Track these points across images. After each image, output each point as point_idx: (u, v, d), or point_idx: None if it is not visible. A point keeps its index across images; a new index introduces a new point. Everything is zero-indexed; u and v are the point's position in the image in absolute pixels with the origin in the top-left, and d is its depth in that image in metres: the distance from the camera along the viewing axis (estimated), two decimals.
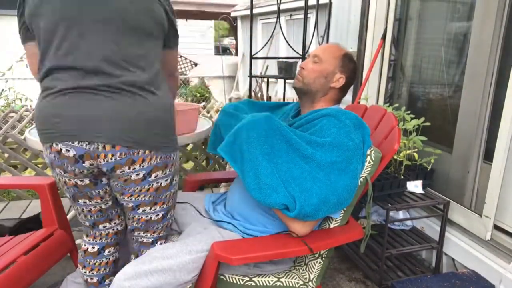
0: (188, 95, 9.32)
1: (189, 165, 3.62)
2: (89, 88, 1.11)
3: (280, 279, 1.34)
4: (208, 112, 5.56)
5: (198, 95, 9.24)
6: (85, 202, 1.33)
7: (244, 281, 1.30)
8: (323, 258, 1.37)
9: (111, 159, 1.15)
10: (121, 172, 1.18)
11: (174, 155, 1.27)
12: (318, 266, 1.37)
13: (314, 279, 1.37)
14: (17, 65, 8.36)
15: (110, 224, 1.42)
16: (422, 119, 2.00)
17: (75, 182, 1.24)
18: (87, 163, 1.16)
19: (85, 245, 1.46)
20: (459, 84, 2.07)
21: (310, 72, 1.40)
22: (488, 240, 1.77)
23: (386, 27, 2.53)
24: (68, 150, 1.13)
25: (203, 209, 1.53)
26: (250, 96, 3.32)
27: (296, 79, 1.44)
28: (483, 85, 1.86)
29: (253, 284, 1.30)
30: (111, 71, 1.11)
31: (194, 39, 12.62)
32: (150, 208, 1.28)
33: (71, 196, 1.32)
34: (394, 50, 2.59)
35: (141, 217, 1.29)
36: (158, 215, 1.31)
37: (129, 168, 1.18)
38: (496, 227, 1.77)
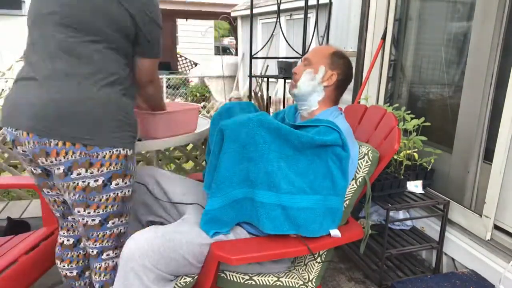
0: (188, 95, 9.33)
1: (189, 165, 3.62)
2: (28, 78, 1.15)
3: (280, 279, 1.34)
4: (208, 112, 5.57)
5: (198, 95, 9.25)
6: (48, 192, 1.32)
7: (244, 279, 1.31)
8: (323, 259, 1.37)
9: (29, 146, 1.14)
10: (42, 163, 1.15)
11: (104, 154, 1.15)
12: (317, 267, 1.38)
13: (314, 280, 1.37)
14: (17, 65, 8.37)
15: None
16: (422, 119, 2.00)
17: (31, 170, 1.26)
18: (19, 149, 1.19)
19: (60, 238, 1.44)
20: (459, 84, 2.08)
21: (302, 75, 1.42)
22: (488, 240, 1.77)
23: (386, 27, 2.53)
24: (6, 135, 1.20)
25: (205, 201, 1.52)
26: (250, 96, 3.32)
27: (291, 84, 1.46)
28: (483, 85, 1.86)
29: (253, 283, 1.31)
30: (47, 61, 1.14)
31: (194, 39, 12.63)
32: (84, 210, 1.20)
33: (37, 184, 1.32)
34: (394, 50, 2.59)
35: (79, 220, 1.23)
36: (94, 220, 1.22)
37: (46, 160, 1.13)
38: (496, 227, 1.77)
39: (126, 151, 1.21)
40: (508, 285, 1.57)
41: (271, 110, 3.86)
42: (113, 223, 1.26)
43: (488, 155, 1.86)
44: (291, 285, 1.34)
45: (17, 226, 2.09)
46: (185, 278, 1.24)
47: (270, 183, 1.20)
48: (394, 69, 2.62)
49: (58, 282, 1.93)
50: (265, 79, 3.35)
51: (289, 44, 3.23)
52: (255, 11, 7.20)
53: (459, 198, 1.99)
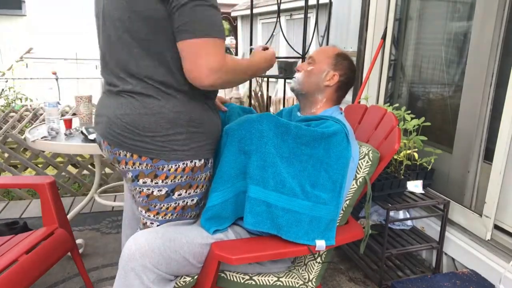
0: None
1: None
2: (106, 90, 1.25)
3: (280, 279, 1.34)
4: None
5: None
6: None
7: (244, 279, 1.31)
8: (323, 259, 1.37)
9: (105, 153, 1.25)
10: (116, 166, 1.23)
11: (170, 167, 1.16)
12: (317, 267, 1.38)
13: (314, 279, 1.37)
14: (17, 64, 8.37)
15: None
16: (422, 119, 2.00)
17: None
18: (102, 152, 1.30)
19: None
20: (459, 84, 2.08)
21: (304, 73, 1.43)
22: (488, 240, 1.77)
23: (386, 27, 2.53)
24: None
25: None
26: (250, 96, 3.32)
27: (293, 81, 1.47)
28: (483, 85, 1.86)
29: (253, 283, 1.31)
30: (114, 77, 1.18)
31: None
32: (145, 212, 1.25)
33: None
34: (394, 50, 2.59)
35: (140, 216, 1.27)
36: (152, 223, 1.25)
37: (118, 165, 1.20)
38: (496, 227, 1.77)
39: (195, 163, 1.19)
40: (508, 285, 1.57)
41: (271, 110, 3.87)
42: None
43: (488, 155, 1.86)
44: (291, 285, 1.34)
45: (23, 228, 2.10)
46: (185, 278, 1.24)
47: (259, 178, 1.21)
48: (394, 68, 2.62)
49: (58, 282, 1.93)
50: (265, 79, 3.35)
51: (289, 44, 3.23)
52: (255, 11, 7.20)
53: (459, 198, 1.99)
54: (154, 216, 1.23)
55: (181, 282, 1.24)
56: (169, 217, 1.23)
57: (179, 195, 1.21)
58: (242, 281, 1.30)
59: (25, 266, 1.40)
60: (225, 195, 1.25)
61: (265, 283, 1.32)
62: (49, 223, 1.64)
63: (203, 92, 1.16)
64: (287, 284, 1.34)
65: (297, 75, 1.45)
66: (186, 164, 1.17)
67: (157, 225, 1.24)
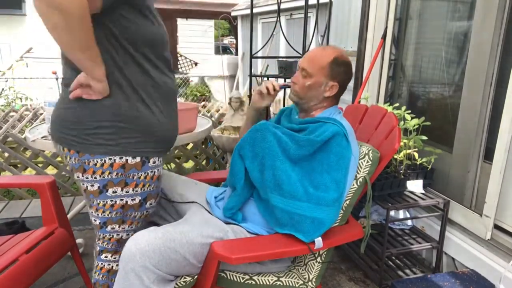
0: (189, 94, 9.34)
1: (189, 165, 3.63)
2: None
3: (280, 279, 1.34)
4: (208, 111, 5.58)
5: (198, 94, 9.26)
6: None
7: (244, 279, 1.31)
8: (323, 259, 1.37)
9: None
10: None
11: (96, 162, 1.13)
12: (317, 266, 1.38)
13: (314, 279, 1.37)
14: (17, 64, 8.37)
15: None
16: (423, 118, 2.00)
17: None
18: None
19: None
20: (459, 84, 2.07)
21: (302, 87, 1.40)
22: (488, 239, 1.77)
23: (386, 27, 2.53)
24: None
25: (205, 201, 1.53)
26: (250, 95, 3.32)
27: (292, 93, 1.45)
28: (483, 84, 1.86)
29: (253, 282, 1.31)
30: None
31: (194, 38, 12.62)
32: (89, 208, 1.22)
33: None
34: (395, 50, 2.59)
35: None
36: (95, 220, 1.23)
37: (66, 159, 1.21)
38: (496, 226, 1.77)
39: (126, 160, 1.15)
40: (508, 284, 1.57)
41: (271, 109, 3.87)
42: (112, 228, 1.23)
43: (488, 155, 1.86)
44: (291, 284, 1.34)
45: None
46: (185, 278, 1.25)
47: (260, 181, 1.32)
48: (395, 68, 2.62)
49: (58, 282, 1.93)
50: (265, 79, 3.35)
51: (289, 44, 3.23)
52: (255, 10, 7.20)
53: (459, 197, 1.99)
54: (94, 212, 1.22)
55: (181, 282, 1.24)
56: (108, 214, 1.21)
57: (113, 192, 1.17)
58: (242, 281, 1.30)
59: (25, 265, 1.41)
60: (241, 199, 1.39)
61: (265, 283, 1.32)
62: (49, 223, 1.64)
63: (137, 87, 1.12)
64: (287, 283, 1.34)
65: (295, 89, 1.42)
66: (114, 160, 1.14)
67: (99, 223, 1.23)
